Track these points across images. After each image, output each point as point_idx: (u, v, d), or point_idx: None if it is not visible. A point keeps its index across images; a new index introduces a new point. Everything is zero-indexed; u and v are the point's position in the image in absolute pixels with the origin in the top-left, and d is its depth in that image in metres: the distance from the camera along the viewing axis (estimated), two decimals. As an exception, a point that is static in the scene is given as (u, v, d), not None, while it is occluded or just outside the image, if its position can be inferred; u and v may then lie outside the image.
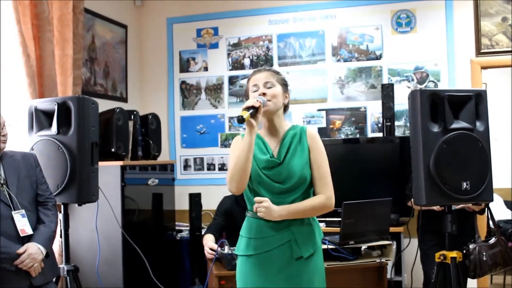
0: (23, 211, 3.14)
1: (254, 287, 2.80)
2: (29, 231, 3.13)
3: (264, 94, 2.78)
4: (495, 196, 3.36)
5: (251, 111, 2.64)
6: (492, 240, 3.80)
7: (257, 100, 2.69)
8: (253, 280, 2.82)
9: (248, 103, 2.67)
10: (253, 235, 2.84)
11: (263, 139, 2.89)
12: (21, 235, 3.10)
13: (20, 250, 3.04)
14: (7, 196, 3.12)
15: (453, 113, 3.15)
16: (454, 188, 3.09)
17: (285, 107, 2.96)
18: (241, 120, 2.60)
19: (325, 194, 2.80)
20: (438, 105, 3.14)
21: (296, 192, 2.80)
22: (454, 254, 3.26)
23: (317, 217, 3.30)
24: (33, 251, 3.07)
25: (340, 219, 3.90)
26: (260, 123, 2.81)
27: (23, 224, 3.12)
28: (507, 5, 5.14)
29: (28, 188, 3.24)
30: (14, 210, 3.11)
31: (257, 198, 2.75)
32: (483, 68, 5.28)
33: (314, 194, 2.85)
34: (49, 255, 3.22)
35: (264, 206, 2.71)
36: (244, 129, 2.76)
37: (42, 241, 3.14)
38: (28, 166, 3.28)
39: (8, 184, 3.16)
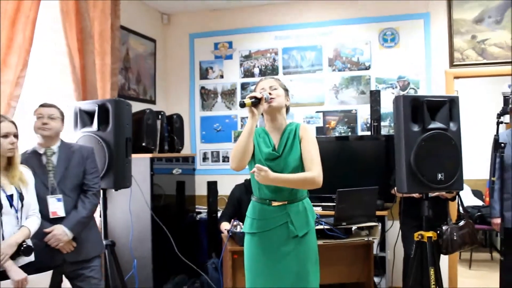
0: (60, 196, 3.09)
1: (257, 260, 2.83)
2: (61, 214, 3.08)
3: (270, 93, 2.81)
4: (464, 185, 3.35)
5: (253, 100, 2.68)
6: (462, 223, 3.78)
7: (260, 93, 2.74)
8: (257, 254, 2.84)
9: (253, 94, 2.72)
10: (256, 216, 2.86)
11: (268, 134, 2.90)
12: (51, 216, 3.05)
13: (47, 230, 3.01)
14: (51, 182, 3.10)
15: (430, 115, 3.14)
16: (430, 179, 3.10)
17: (287, 109, 2.96)
18: (242, 104, 2.65)
19: (315, 171, 2.74)
20: (418, 108, 3.14)
21: None
22: (430, 234, 3.26)
23: (314, 202, 3.30)
24: (57, 232, 3.02)
25: (334, 204, 3.92)
26: (262, 119, 2.86)
27: (56, 208, 3.07)
28: (476, 25, 5.13)
29: (74, 176, 3.19)
30: (52, 194, 3.08)
31: (258, 166, 2.65)
32: (456, 77, 5.25)
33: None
34: (76, 237, 3.13)
35: (262, 174, 2.63)
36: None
37: (69, 224, 3.07)
38: (79, 157, 3.24)
39: (56, 171, 3.13)
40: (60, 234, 3.03)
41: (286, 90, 2.93)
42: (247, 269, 2.90)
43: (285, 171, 2.79)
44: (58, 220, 3.07)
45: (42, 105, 3.18)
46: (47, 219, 3.04)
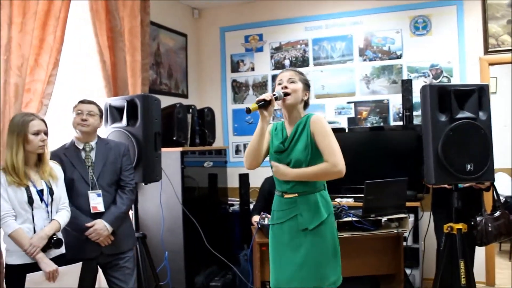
0: (99, 191, 3.17)
1: (275, 251, 2.89)
2: (101, 209, 3.16)
3: (286, 87, 2.80)
4: (505, 175, 3.27)
5: (261, 103, 2.67)
6: (497, 213, 3.70)
7: (271, 94, 2.73)
8: (275, 245, 2.91)
9: (261, 96, 2.72)
10: (275, 208, 2.91)
11: (284, 128, 2.91)
12: (92, 211, 3.13)
13: (89, 224, 3.10)
14: (90, 177, 3.17)
15: (458, 104, 3.07)
16: (459, 170, 3.03)
17: (305, 104, 2.93)
18: (248, 110, 2.63)
19: (330, 161, 2.67)
20: (445, 97, 3.07)
21: None
22: (460, 226, 3.20)
23: (346, 194, 3.27)
24: (99, 227, 3.10)
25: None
26: (280, 113, 2.88)
27: (96, 203, 3.15)
28: (512, 9, 4.96)
29: (111, 172, 3.26)
30: (92, 190, 3.16)
31: (273, 163, 2.87)
32: (491, 64, 5.09)
33: None
34: (115, 232, 3.21)
35: (273, 170, 2.85)
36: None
37: (109, 219, 3.16)
38: (116, 154, 3.31)
39: (95, 167, 3.21)
40: (101, 228, 3.12)
41: (306, 84, 2.90)
42: (270, 260, 2.96)
43: (290, 164, 2.80)
44: (97, 215, 3.16)
45: (81, 102, 3.27)
46: (87, 213, 3.13)
